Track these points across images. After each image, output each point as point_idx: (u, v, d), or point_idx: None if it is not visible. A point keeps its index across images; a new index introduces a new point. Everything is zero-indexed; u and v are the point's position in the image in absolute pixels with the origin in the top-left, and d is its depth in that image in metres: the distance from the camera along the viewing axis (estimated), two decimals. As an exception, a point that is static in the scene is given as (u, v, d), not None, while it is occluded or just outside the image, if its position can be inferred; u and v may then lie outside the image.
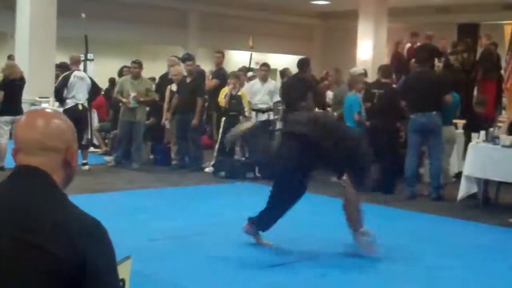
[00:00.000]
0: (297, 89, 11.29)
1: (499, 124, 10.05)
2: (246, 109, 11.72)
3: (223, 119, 11.69)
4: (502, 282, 5.82)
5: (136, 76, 12.04)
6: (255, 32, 18.56)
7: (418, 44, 15.73)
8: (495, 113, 14.73)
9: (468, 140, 9.75)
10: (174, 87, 12.07)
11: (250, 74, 14.07)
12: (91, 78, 11.54)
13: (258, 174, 11.20)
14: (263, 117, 12.10)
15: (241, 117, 11.63)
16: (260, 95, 12.12)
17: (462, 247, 7.02)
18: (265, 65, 12.70)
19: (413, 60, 13.06)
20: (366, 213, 6.69)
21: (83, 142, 11.05)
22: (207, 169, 11.67)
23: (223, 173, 11.20)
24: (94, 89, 11.50)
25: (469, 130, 9.97)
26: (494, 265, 6.33)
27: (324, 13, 21.89)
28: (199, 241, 6.79)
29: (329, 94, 13.27)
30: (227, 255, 6.29)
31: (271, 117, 12.16)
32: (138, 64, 12.16)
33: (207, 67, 15.23)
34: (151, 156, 12.86)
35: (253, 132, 6.94)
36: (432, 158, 9.80)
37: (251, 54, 15.70)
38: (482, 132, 9.34)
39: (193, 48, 18.55)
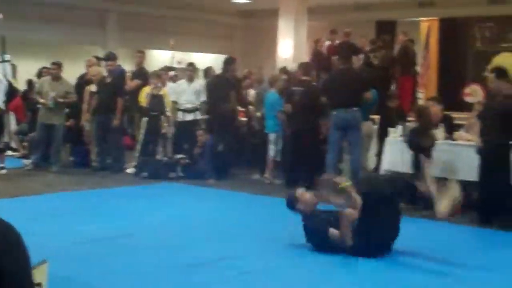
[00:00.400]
0: (220, 88, 11.31)
1: (411, 119, 10.28)
2: (167, 109, 11.67)
3: (145, 119, 11.61)
4: (419, 274, 5.96)
5: (56, 78, 11.83)
6: (176, 31, 18.52)
7: (337, 41, 15.97)
8: (412, 108, 15.11)
9: (382, 135, 9.96)
10: (93, 87, 11.92)
11: (172, 73, 14.01)
12: (8, 80, 11.28)
13: (181, 174, 11.18)
14: (190, 117, 12.07)
15: (162, 117, 11.59)
16: (186, 95, 12.08)
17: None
18: (191, 65, 12.66)
19: (335, 57, 13.24)
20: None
21: (0, 146, 10.79)
22: (129, 170, 11.56)
23: (145, 174, 11.13)
24: (10, 90, 11.24)
25: (385, 125, 10.19)
26: (413, 256, 6.47)
27: (245, 12, 21.95)
28: (122, 243, 6.72)
29: (251, 93, 13.33)
30: (151, 256, 6.24)
31: (198, 116, 12.13)
32: (58, 65, 11.95)
33: (128, 67, 15.07)
34: (71, 158, 12.65)
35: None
36: (353, 154, 9.94)
37: (172, 54, 15.62)
38: (399, 127, 9.56)
39: (112, 48, 18.26)
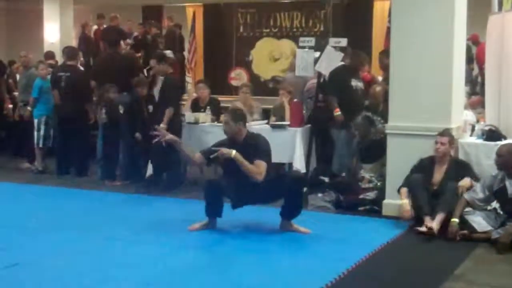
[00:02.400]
0: None
1: (183, 102, 10.56)
2: None
3: None
4: (189, 251, 6.21)
5: None
6: None
7: (105, 26, 15.89)
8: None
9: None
10: None
11: None
12: None
13: None
14: None
15: None
16: None
17: (153, 222, 7.28)
18: None
19: (103, 42, 13.22)
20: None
21: None
22: None
23: None
24: None
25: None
26: (178, 237, 6.72)
27: (7, -5, 21.10)
28: None
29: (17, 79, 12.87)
30: None
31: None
32: None
33: None
34: None
35: None
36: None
37: None
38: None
39: None
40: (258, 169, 6.49)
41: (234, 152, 6.50)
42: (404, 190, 7.08)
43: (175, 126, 8.87)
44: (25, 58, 12.02)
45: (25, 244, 6.33)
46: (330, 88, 8.99)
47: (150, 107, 9.58)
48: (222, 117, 7.21)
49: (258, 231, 6.84)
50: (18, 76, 12.73)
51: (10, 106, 11.88)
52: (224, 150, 6.54)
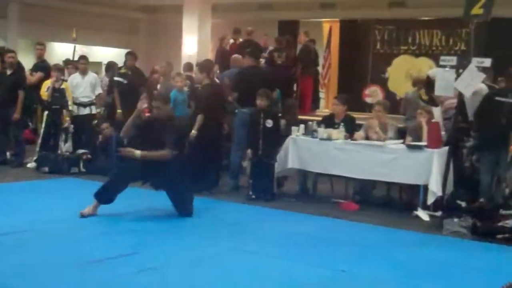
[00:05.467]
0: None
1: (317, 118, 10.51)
2: (69, 102, 11.52)
3: (46, 113, 11.41)
4: (320, 269, 6.10)
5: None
6: (78, 25, 18.15)
7: (241, 40, 16.09)
8: (313, 107, 15.48)
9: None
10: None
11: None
12: None
13: (83, 169, 11.04)
14: (85, 111, 11.97)
15: (64, 111, 11.42)
16: (82, 88, 11.97)
17: (281, 236, 7.30)
18: (83, 58, 12.48)
19: (238, 56, 13.33)
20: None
21: None
22: (29, 165, 11.31)
23: (46, 169, 10.92)
24: None
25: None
26: (310, 253, 6.64)
27: (149, 7, 21.79)
28: (24, 238, 6.59)
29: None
30: (54, 252, 6.16)
31: (94, 111, 12.05)
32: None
33: (28, 59, 14.73)
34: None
35: None
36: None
37: (74, 47, 15.34)
38: (302, 126, 9.77)
39: (13, 40, 17.88)
40: (163, 153, 7.61)
41: (138, 153, 7.51)
42: None
43: (209, 132, 9.67)
44: (165, 68, 12.26)
45: (158, 248, 6.44)
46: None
47: (270, 121, 9.55)
48: (153, 103, 8.08)
49: (376, 254, 6.68)
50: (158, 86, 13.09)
51: (147, 114, 12.19)
52: (127, 151, 7.57)
